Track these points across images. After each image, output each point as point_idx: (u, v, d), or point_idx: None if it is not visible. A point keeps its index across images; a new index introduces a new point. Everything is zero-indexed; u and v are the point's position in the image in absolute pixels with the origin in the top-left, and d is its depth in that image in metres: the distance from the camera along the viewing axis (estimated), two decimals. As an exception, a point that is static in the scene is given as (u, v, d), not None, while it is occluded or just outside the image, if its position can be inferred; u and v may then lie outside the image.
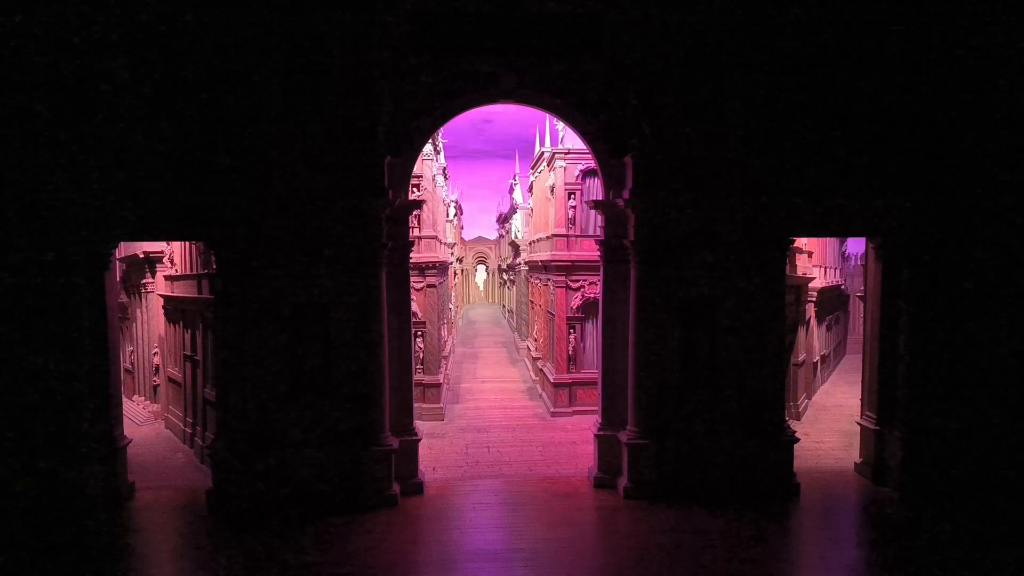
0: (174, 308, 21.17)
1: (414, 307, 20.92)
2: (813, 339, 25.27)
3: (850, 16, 14.19)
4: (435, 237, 25.11)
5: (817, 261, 27.39)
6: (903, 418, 14.65)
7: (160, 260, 22.63)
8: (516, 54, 14.20)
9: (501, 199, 60.30)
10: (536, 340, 29.46)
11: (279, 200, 13.52)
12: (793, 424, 15.70)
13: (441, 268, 25.77)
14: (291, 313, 13.89)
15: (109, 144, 13.34)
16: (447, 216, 37.52)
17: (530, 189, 34.14)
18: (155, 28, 13.37)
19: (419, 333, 22.92)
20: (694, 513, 13.37)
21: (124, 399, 16.66)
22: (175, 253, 22.04)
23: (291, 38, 13.55)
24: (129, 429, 16.02)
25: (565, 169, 23.69)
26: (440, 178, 29.82)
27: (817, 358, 26.43)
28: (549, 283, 25.29)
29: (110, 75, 13.28)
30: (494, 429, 21.48)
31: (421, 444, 15.28)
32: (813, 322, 24.95)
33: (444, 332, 27.31)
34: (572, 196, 23.76)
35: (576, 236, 23.79)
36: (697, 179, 14.01)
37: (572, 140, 22.19)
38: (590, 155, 15.89)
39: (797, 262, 22.07)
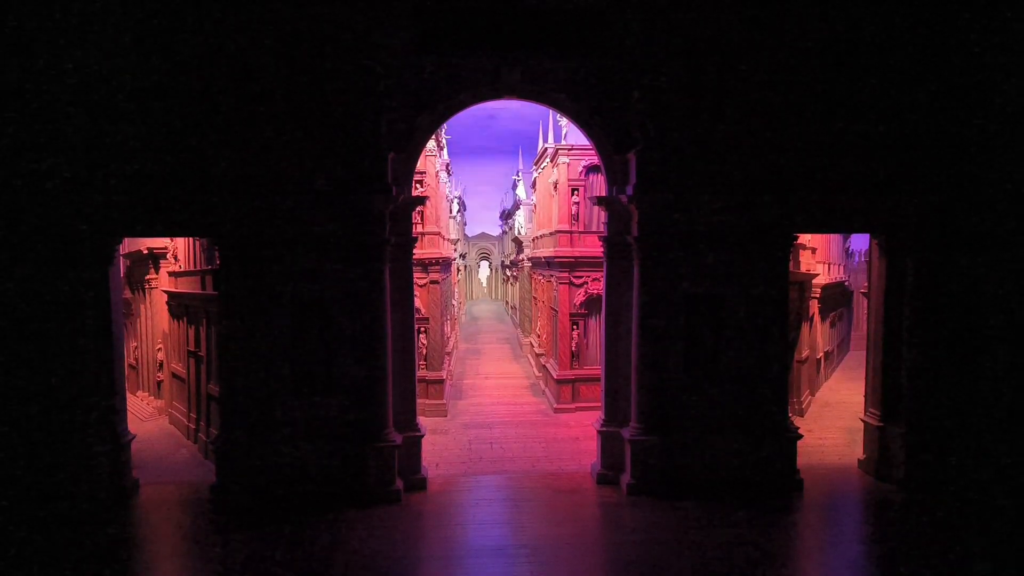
0: (178, 304, 21.22)
1: (417, 303, 20.95)
2: (817, 335, 25.24)
3: (855, 13, 14.15)
4: (438, 233, 25.12)
5: (821, 257, 27.35)
6: (907, 415, 14.63)
7: (164, 256, 22.67)
8: (519, 49, 14.19)
9: (504, 195, 60.36)
10: (539, 336, 29.47)
11: (282, 195, 13.53)
12: (796, 420, 15.69)
13: (444, 264, 25.78)
14: (294, 309, 13.91)
15: (112, 139, 13.37)
16: (450, 212, 37.56)
17: (533, 185, 34.10)
18: (159, 24, 13.39)
19: (422, 329, 22.93)
20: (697, 509, 13.37)
21: (128, 395, 16.68)
22: (179, 249, 22.08)
23: (294, 34, 13.54)
24: (133, 425, 16.05)
25: (568, 165, 23.65)
26: (443, 174, 29.80)
27: (821, 354, 26.40)
28: (552, 279, 25.29)
29: (113, 70, 13.31)
30: (497, 425, 21.50)
31: (424, 440, 15.30)
32: (817, 318, 24.91)
33: (447, 328, 27.30)
34: (575, 192, 23.72)
35: (579, 232, 23.76)
36: (701, 175, 13.99)
37: (576, 136, 22.13)
38: (593, 151, 15.87)
39: (801, 258, 22.03)
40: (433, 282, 23.90)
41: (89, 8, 13.09)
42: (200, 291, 18.93)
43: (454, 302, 36.93)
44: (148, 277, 23.69)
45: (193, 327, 19.91)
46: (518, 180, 45.57)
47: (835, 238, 31.66)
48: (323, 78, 13.67)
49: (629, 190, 14.09)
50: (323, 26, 13.56)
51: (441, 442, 19.31)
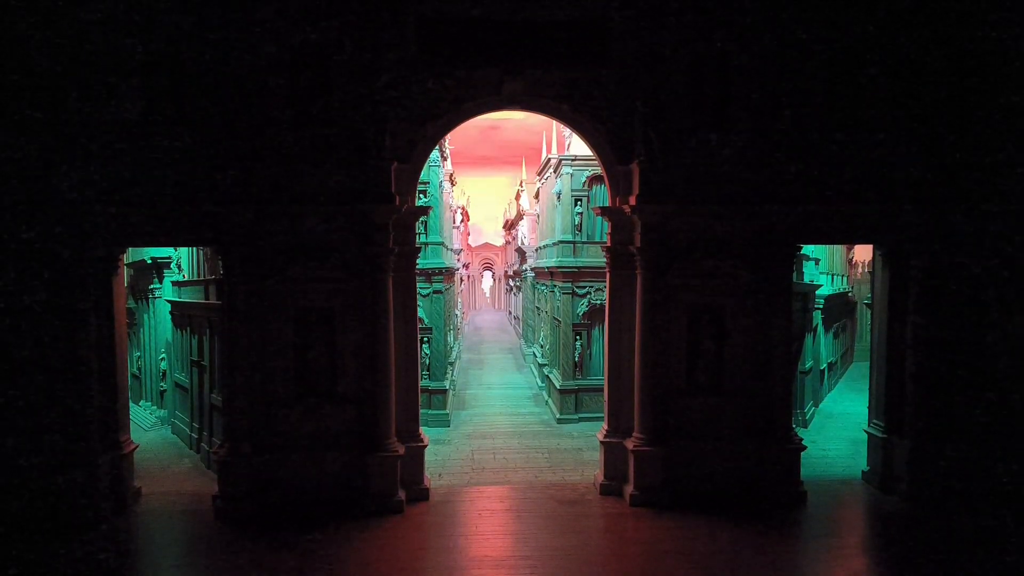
0: (181, 314, 21.22)
1: (420, 313, 20.92)
2: (820, 346, 25.17)
3: (858, 22, 14.17)
4: (442, 243, 25.13)
5: (824, 268, 27.30)
6: (911, 426, 14.56)
7: (168, 266, 22.71)
8: (522, 60, 14.23)
9: (508, 205, 60.33)
10: (542, 346, 29.42)
11: (286, 205, 13.58)
12: (800, 432, 15.62)
13: (448, 274, 25.78)
14: (298, 318, 13.94)
15: (117, 149, 13.42)
16: (454, 222, 37.55)
17: (536, 195, 34.14)
18: (162, 34, 13.47)
19: (425, 339, 22.92)
20: (700, 521, 13.33)
21: (131, 404, 16.67)
22: (183, 259, 22.13)
23: (298, 45, 13.62)
24: (136, 434, 16.07)
25: (572, 175, 23.70)
26: (447, 184, 29.85)
27: (824, 365, 26.32)
28: (555, 289, 25.28)
29: (118, 81, 13.39)
30: (500, 435, 21.45)
31: (427, 450, 15.27)
32: (820, 329, 24.85)
33: (450, 338, 27.29)
34: (579, 202, 23.77)
35: (583, 243, 23.80)
36: (704, 186, 14.02)
37: (579, 147, 22.18)
38: (597, 161, 15.89)
39: (804, 269, 21.99)
40: (436, 292, 23.91)
41: (94, 21, 13.16)
42: (204, 300, 18.94)
43: (457, 312, 36.91)
44: (152, 287, 23.71)
45: (196, 336, 19.91)
46: (522, 190, 45.62)
47: (838, 248, 31.59)
48: (327, 89, 13.74)
49: (632, 200, 14.10)
50: (327, 38, 13.63)
51: (444, 452, 19.27)
